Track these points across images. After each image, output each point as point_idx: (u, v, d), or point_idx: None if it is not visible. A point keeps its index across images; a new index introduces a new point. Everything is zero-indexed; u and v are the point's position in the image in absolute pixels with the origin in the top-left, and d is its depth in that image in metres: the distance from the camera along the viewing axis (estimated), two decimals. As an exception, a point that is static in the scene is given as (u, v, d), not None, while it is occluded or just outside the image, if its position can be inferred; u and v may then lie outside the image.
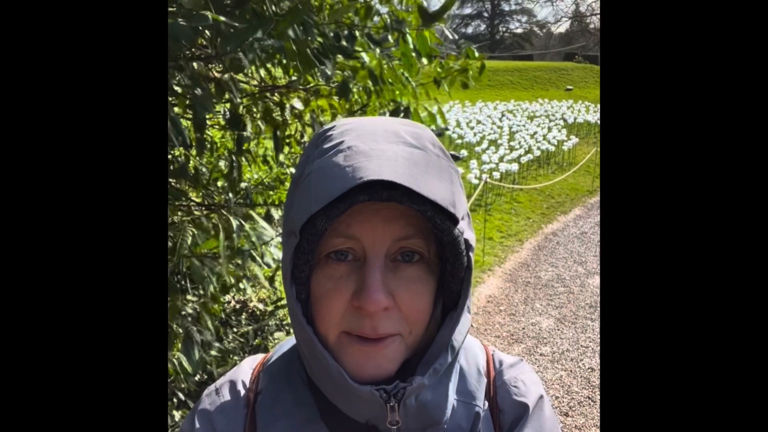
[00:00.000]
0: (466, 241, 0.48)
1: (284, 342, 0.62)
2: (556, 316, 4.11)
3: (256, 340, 2.81)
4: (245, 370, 0.59)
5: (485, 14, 46.36)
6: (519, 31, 47.41)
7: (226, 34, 0.94)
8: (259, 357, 0.61)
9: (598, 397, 3.06)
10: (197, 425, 0.54)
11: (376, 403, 0.46)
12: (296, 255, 0.47)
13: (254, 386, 0.56)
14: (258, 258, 1.24)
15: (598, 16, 39.64)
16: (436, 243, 0.49)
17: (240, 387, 0.56)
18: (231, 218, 1.02)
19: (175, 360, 1.23)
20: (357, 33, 1.62)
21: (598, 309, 4.22)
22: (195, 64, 1.10)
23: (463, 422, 0.52)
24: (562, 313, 4.18)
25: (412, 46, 1.59)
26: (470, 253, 0.48)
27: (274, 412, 0.53)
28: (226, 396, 0.56)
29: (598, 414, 2.91)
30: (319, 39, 1.32)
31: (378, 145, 0.46)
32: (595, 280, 4.84)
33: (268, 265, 1.32)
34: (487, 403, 0.55)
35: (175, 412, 1.98)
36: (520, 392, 0.55)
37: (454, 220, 0.46)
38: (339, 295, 0.46)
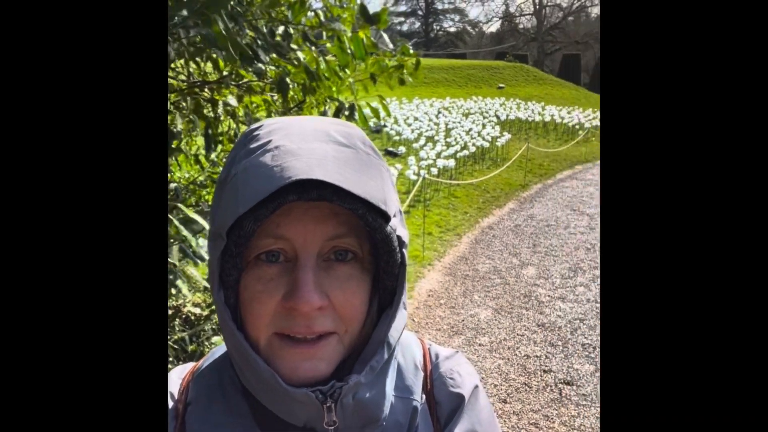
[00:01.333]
0: (399, 238, 0.48)
1: (215, 349, 0.59)
2: (494, 307, 4.26)
3: (192, 347, 2.69)
4: (173, 380, 0.56)
5: (420, 12, 47.07)
6: (452, 29, 48.57)
7: None
8: (188, 366, 0.58)
9: (534, 383, 3.20)
10: None
11: (312, 404, 0.45)
12: (223, 258, 0.45)
13: (183, 397, 0.54)
14: (188, 253, 1.18)
15: (527, 17, 41.35)
16: (369, 241, 0.48)
17: (168, 398, 0.53)
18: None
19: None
20: (292, 30, 1.58)
21: (532, 298, 4.41)
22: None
23: (401, 418, 0.52)
24: (499, 303, 4.33)
25: (346, 45, 1.58)
26: (403, 250, 0.48)
27: (207, 423, 0.51)
28: None
29: (535, 399, 3.04)
30: (251, 33, 1.27)
31: (307, 144, 0.45)
32: (529, 271, 5.06)
33: (202, 259, 1.26)
34: (424, 397, 0.55)
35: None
36: (455, 384, 0.56)
37: (386, 218, 0.46)
38: (270, 298, 0.45)
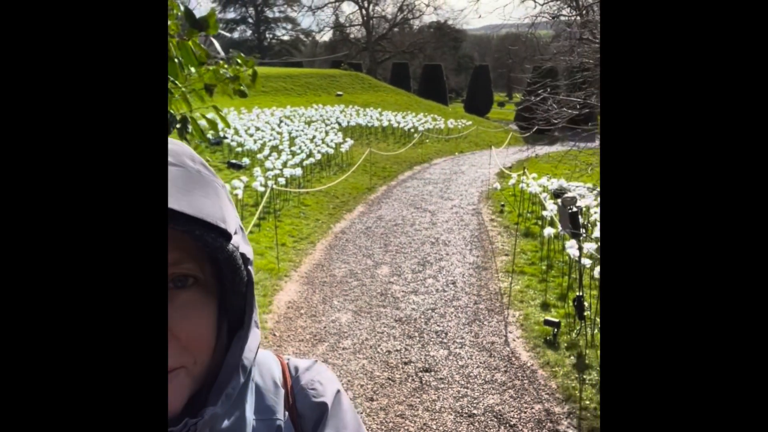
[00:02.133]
0: (243, 255, 0.46)
1: None
2: (353, 310, 4.36)
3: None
4: None
5: (250, 20, 45.99)
6: (286, 38, 48.42)
7: None
8: None
9: (397, 376, 3.36)
10: None
11: None
12: None
13: None
14: None
15: (357, 27, 43.08)
16: (210, 262, 0.46)
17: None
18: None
19: None
20: None
21: (388, 295, 4.62)
22: None
23: None
24: (358, 305, 4.45)
25: (173, 54, 1.48)
26: (249, 267, 0.48)
27: None
28: None
29: (399, 392, 3.19)
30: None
31: None
32: (383, 270, 5.28)
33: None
34: (287, 414, 0.55)
35: None
36: (317, 393, 0.57)
37: (227, 236, 0.44)
38: None
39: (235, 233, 0.46)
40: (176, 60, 1.57)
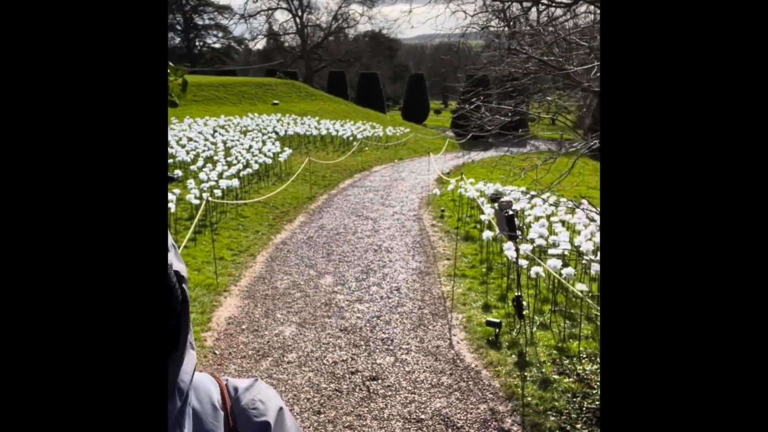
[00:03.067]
0: (177, 272, 0.45)
1: None
2: (297, 322, 4.27)
3: None
4: None
5: (178, 27, 44.41)
6: (217, 46, 47.13)
7: None
8: None
9: (344, 386, 3.32)
10: None
11: None
12: None
13: None
14: None
15: (291, 35, 42.69)
16: None
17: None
18: None
19: None
20: None
21: (332, 305, 4.57)
22: None
23: None
24: (302, 317, 4.37)
25: None
26: (183, 285, 0.46)
27: None
28: None
29: (347, 402, 3.16)
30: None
31: None
32: (326, 280, 5.23)
33: None
34: None
35: None
36: (259, 412, 0.55)
37: None
38: None
39: (168, 251, 0.44)
40: None
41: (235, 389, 0.57)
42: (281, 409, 0.57)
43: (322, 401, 3.17)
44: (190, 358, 0.47)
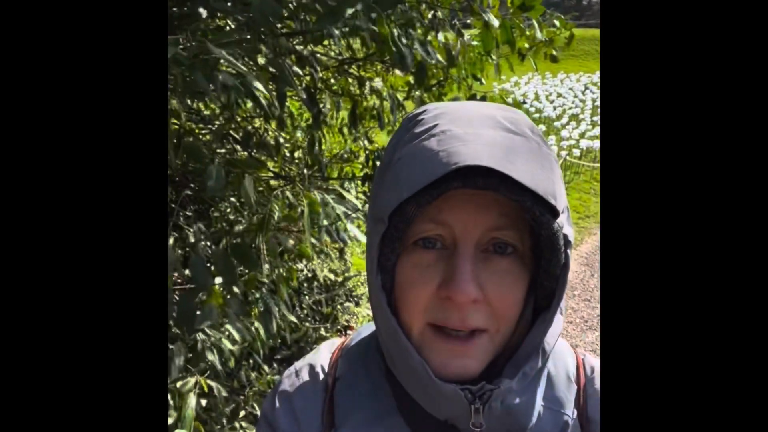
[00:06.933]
0: (565, 236, 0.44)
1: (363, 328, 0.61)
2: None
3: (327, 309, 2.89)
4: (324, 354, 0.59)
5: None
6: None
7: (322, 12, 0.94)
8: (336, 341, 0.61)
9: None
10: (277, 405, 0.55)
11: (459, 402, 0.44)
12: (383, 242, 0.45)
13: (333, 371, 0.56)
14: (333, 234, 1.25)
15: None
16: (531, 237, 0.45)
17: (319, 370, 0.56)
18: (316, 193, 1.03)
19: (253, 328, 1.29)
20: (440, 14, 1.56)
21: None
22: (279, 40, 1.11)
23: (550, 429, 0.50)
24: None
25: (494, 34, 1.51)
26: (568, 250, 0.45)
27: (350, 400, 0.53)
28: (305, 378, 0.56)
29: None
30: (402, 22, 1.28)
31: (474, 129, 0.43)
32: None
33: (344, 241, 1.33)
34: (575, 412, 0.51)
35: (251, 372, 2.10)
36: None
37: (555, 213, 0.43)
38: (425, 284, 0.44)
39: (562, 212, 0.44)
40: (494, 38, 1.58)
41: (592, 369, 0.55)
42: None
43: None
44: (558, 322, 0.47)
